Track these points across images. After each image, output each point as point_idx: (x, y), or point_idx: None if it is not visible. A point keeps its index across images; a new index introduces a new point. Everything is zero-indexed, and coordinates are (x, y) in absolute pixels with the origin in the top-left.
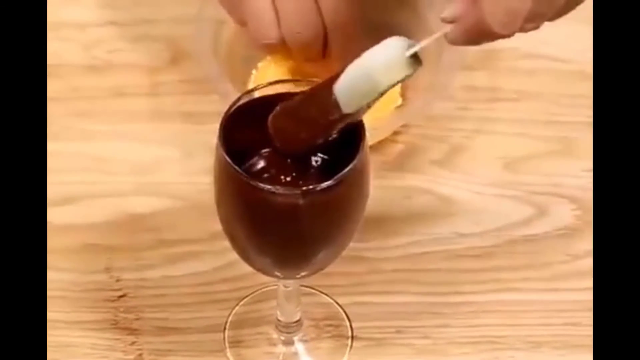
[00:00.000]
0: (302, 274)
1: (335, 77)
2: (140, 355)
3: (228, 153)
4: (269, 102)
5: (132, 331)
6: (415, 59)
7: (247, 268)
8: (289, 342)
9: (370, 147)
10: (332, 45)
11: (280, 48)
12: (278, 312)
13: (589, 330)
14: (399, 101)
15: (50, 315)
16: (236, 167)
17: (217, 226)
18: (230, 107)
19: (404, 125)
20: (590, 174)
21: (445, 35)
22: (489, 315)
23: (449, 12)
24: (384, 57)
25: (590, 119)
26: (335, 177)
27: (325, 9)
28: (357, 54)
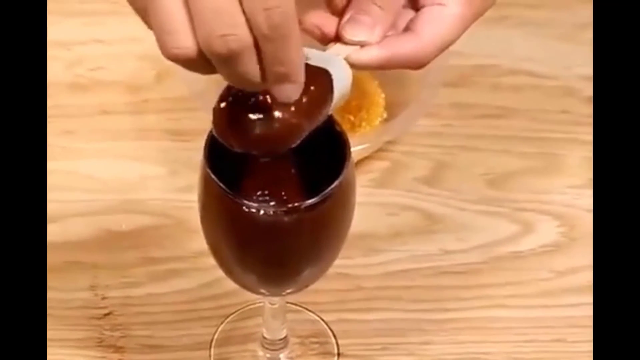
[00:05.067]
0: (288, 291)
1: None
2: None
3: (213, 170)
4: None
5: (118, 349)
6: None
7: (232, 285)
8: None
9: (355, 163)
10: (267, 56)
11: (198, 60)
12: (264, 330)
13: (575, 347)
14: (384, 115)
15: None
16: (221, 185)
17: (203, 243)
18: None
19: (388, 142)
20: (575, 191)
21: (348, 56)
22: (474, 332)
23: (365, 35)
24: (344, 63)
25: (575, 136)
26: (321, 194)
27: (250, 7)
28: (296, 64)
